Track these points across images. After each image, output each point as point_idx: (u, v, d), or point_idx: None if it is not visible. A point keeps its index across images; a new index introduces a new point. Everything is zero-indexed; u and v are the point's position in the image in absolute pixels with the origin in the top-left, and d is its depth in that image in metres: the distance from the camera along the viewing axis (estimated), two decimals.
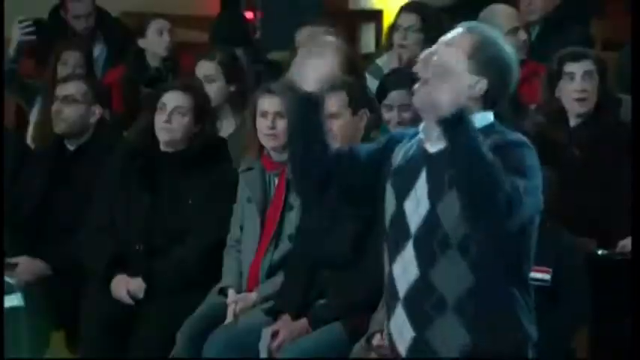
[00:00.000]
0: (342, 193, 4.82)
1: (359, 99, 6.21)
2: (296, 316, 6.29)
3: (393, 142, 4.77)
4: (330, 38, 5.11)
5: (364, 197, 4.78)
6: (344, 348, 5.84)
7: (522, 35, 8.03)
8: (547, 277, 5.96)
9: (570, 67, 7.01)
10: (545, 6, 8.87)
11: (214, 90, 7.77)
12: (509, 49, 4.65)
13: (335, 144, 5.75)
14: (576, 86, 6.96)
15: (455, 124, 4.22)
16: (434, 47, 4.53)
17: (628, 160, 6.72)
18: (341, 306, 5.92)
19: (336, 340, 5.99)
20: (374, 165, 4.71)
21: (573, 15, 9.41)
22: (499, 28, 7.71)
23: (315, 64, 4.56)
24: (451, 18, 8.07)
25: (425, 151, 4.55)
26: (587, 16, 10.07)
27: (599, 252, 6.52)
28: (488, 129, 4.52)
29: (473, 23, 4.82)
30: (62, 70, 8.44)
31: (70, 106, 7.28)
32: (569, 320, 6.11)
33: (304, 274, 6.38)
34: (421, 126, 4.60)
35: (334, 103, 6.20)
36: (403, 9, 8.38)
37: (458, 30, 4.63)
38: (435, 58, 4.47)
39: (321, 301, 6.27)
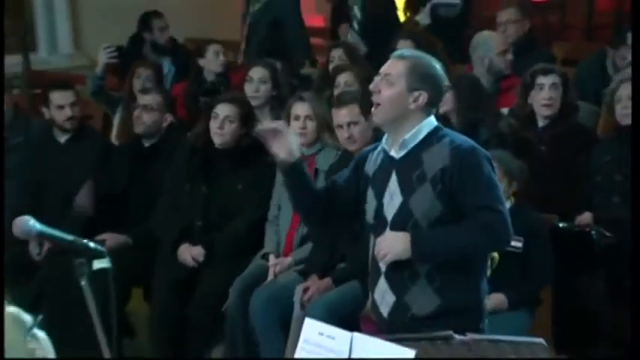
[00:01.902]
0: (340, 212, 4.92)
1: (369, 107, 6.24)
2: (322, 276, 6.33)
3: (361, 161, 4.87)
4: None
5: (355, 206, 4.82)
6: (359, 301, 5.86)
7: (509, 56, 8.00)
8: (519, 244, 5.91)
9: (541, 80, 7.03)
10: (517, 32, 8.83)
11: (264, 90, 7.81)
12: (436, 64, 4.76)
13: (353, 147, 5.98)
14: (545, 95, 6.98)
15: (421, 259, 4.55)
16: (378, 77, 4.71)
17: (584, 153, 6.79)
18: (356, 268, 5.92)
19: (354, 295, 6.00)
20: (352, 183, 4.80)
21: (538, 39, 9.41)
22: (491, 50, 7.85)
23: (280, 141, 4.65)
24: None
25: (391, 157, 4.64)
26: (549, 40, 10.08)
27: (560, 225, 6.47)
28: (435, 132, 4.63)
29: (403, 51, 5.04)
30: (137, 84, 8.46)
31: (148, 113, 7.30)
32: (537, 278, 6.08)
33: (328, 244, 6.43)
34: (384, 139, 4.70)
35: (350, 113, 6.25)
36: (400, 36, 8.36)
37: (393, 57, 4.77)
38: (381, 82, 4.64)
39: (342, 265, 6.31)
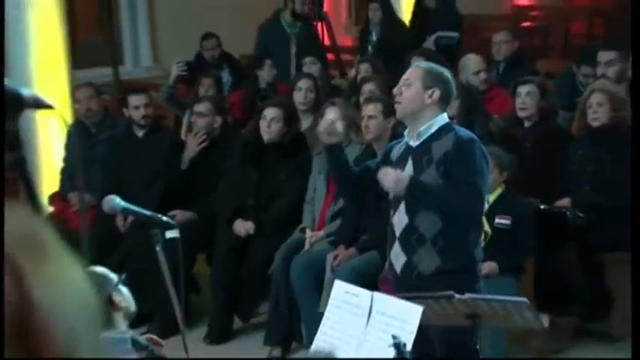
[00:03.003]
0: (368, 189, 4.98)
1: (390, 108, 6.23)
2: (348, 246, 6.32)
3: (388, 150, 5.01)
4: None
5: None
6: (378, 266, 5.85)
7: (482, 75, 7.95)
8: (508, 222, 5.93)
9: (519, 89, 7.00)
10: (507, 50, 8.77)
11: (310, 98, 7.77)
12: (446, 71, 4.93)
13: (369, 136, 6.04)
14: (520, 100, 6.95)
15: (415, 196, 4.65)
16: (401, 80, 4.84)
17: (561, 149, 6.77)
18: (376, 240, 5.92)
19: (374, 262, 6.01)
20: (381, 166, 4.83)
21: (525, 56, 9.38)
22: (469, 71, 7.86)
23: (323, 125, 4.88)
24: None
25: (410, 146, 4.70)
26: (534, 57, 10.03)
27: (542, 207, 6.46)
28: (446, 126, 4.72)
29: (419, 63, 5.35)
30: (201, 91, 8.49)
31: (201, 118, 7.32)
32: (522, 250, 6.08)
33: (353, 220, 6.41)
34: (405, 132, 4.75)
35: (372, 109, 6.26)
36: (414, 54, 8.36)
37: (412, 67, 5.02)
38: (402, 85, 4.75)
39: (364, 237, 6.29)
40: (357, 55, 10.36)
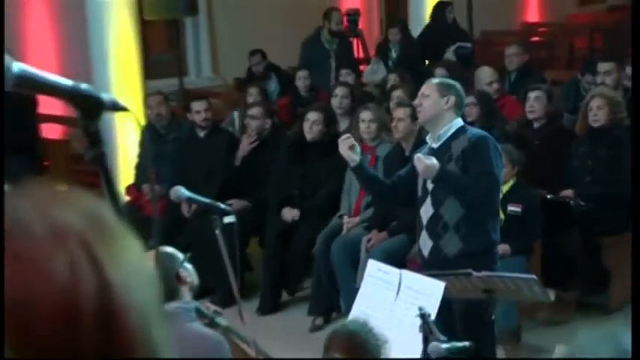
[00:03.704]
0: (403, 193, 4.99)
1: (413, 112, 6.22)
2: (380, 230, 6.30)
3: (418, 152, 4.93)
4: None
5: (412, 187, 4.85)
6: (406, 248, 5.84)
7: (495, 85, 7.88)
8: (519, 210, 5.90)
9: (529, 94, 6.96)
10: (518, 62, 8.72)
11: (345, 103, 7.72)
12: (456, 83, 4.96)
13: (397, 135, 6.04)
14: (529, 104, 6.91)
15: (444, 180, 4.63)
16: (419, 93, 4.89)
17: (565, 147, 6.75)
18: (404, 225, 5.90)
19: (402, 244, 5.99)
20: (410, 171, 4.87)
21: (534, 66, 9.32)
22: (482, 82, 7.80)
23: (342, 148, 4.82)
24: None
25: (432, 148, 4.71)
26: (542, 67, 9.97)
27: (548, 196, 6.44)
28: (460, 129, 4.72)
29: (430, 79, 5.23)
30: (249, 99, 8.50)
31: (254, 120, 7.33)
32: (531, 234, 6.05)
33: (385, 209, 6.40)
34: (428, 136, 4.79)
35: (401, 112, 6.24)
36: (438, 65, 8.33)
37: (426, 83, 4.97)
38: (421, 98, 4.78)
39: (394, 223, 6.28)
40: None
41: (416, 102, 4.89)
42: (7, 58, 1.23)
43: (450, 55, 10.00)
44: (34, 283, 0.70)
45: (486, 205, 4.78)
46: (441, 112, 4.72)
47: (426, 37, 10.82)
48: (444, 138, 4.72)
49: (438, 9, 10.93)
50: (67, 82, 1.32)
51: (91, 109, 1.31)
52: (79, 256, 0.72)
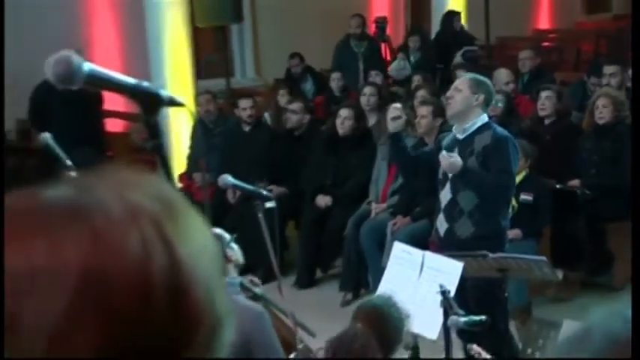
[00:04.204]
0: (422, 168, 5.01)
1: (440, 111, 6.18)
2: (405, 216, 6.30)
3: (440, 139, 4.97)
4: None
5: (433, 166, 4.82)
6: (428, 232, 5.81)
7: (511, 85, 7.81)
8: (530, 198, 5.88)
9: (540, 94, 6.94)
10: (530, 65, 8.66)
11: (373, 101, 7.66)
12: (488, 81, 4.87)
13: (420, 130, 6.01)
14: (541, 102, 6.88)
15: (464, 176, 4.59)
16: (452, 87, 4.81)
17: (573, 142, 6.70)
18: (427, 211, 5.88)
19: (424, 228, 5.95)
20: (435, 152, 4.78)
21: (545, 69, 9.24)
22: (500, 83, 7.74)
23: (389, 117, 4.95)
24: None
25: (457, 138, 4.66)
26: (552, 70, 9.88)
27: (557, 186, 6.42)
28: (485, 125, 4.66)
29: (466, 74, 5.15)
30: (280, 99, 8.53)
31: (294, 115, 7.34)
32: (542, 220, 6.02)
33: (409, 196, 6.38)
34: (454, 128, 4.73)
35: (425, 110, 6.21)
36: (457, 67, 8.27)
37: (460, 78, 4.99)
38: (453, 91, 4.70)
39: (417, 209, 6.26)
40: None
41: (448, 94, 4.80)
42: (79, 59, 1.24)
43: (458, 58, 9.95)
44: (110, 258, 0.69)
45: (501, 196, 4.75)
46: (470, 108, 4.65)
47: (438, 43, 10.81)
48: (470, 131, 4.66)
49: (447, 18, 10.94)
50: (131, 80, 1.33)
51: (151, 105, 1.32)
52: (151, 235, 0.71)
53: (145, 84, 1.34)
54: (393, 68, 10.17)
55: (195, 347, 0.72)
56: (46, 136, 3.28)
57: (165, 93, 1.36)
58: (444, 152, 4.63)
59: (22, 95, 7.48)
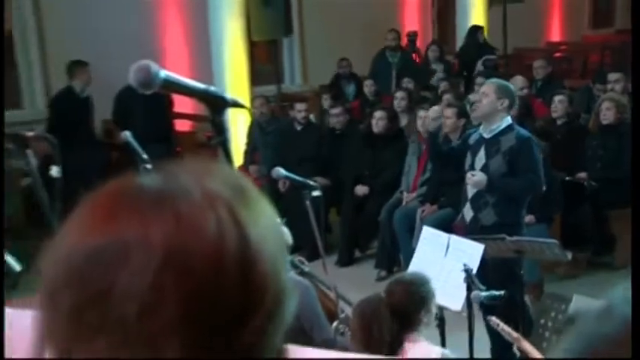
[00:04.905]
0: (450, 160, 4.94)
1: (463, 113, 6.12)
2: (432, 204, 6.26)
3: (467, 137, 4.87)
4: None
5: (461, 159, 4.75)
6: (452, 218, 5.76)
7: (525, 91, 7.66)
8: (543, 189, 5.84)
9: (554, 98, 6.89)
10: (543, 73, 8.58)
11: (404, 104, 7.62)
12: (512, 86, 4.80)
13: (445, 129, 5.97)
14: (554, 105, 6.83)
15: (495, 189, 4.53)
16: (480, 91, 4.75)
17: (581, 140, 6.62)
18: (451, 200, 5.84)
19: (449, 215, 5.89)
20: (461, 148, 4.73)
21: (557, 76, 9.13)
22: (517, 87, 7.64)
23: (430, 116, 5.02)
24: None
25: (483, 137, 4.58)
26: (562, 77, 9.75)
27: (567, 178, 6.37)
28: (509, 127, 4.57)
29: (493, 79, 4.93)
30: (324, 103, 8.52)
31: (336, 117, 7.39)
32: (553, 207, 5.95)
33: (436, 187, 6.33)
34: (481, 127, 4.66)
35: (450, 112, 6.15)
36: (478, 75, 8.19)
37: (487, 83, 4.77)
38: (481, 95, 4.61)
39: (443, 198, 6.21)
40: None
41: (476, 97, 4.78)
42: (156, 66, 1.24)
43: (479, 66, 9.85)
44: (190, 237, 0.70)
45: (528, 194, 4.68)
46: (495, 111, 4.56)
47: (463, 54, 10.73)
48: (495, 132, 4.58)
49: (471, 32, 10.85)
50: (200, 84, 1.33)
51: (217, 106, 1.32)
52: (225, 218, 0.72)
53: (212, 88, 1.34)
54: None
55: (262, 314, 0.72)
56: (127, 134, 3.31)
57: (229, 96, 1.36)
58: (472, 172, 4.58)
59: (105, 99, 7.57)
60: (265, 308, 0.72)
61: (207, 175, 0.76)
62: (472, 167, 4.66)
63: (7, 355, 1.05)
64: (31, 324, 0.74)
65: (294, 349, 0.82)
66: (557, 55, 12.87)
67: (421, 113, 6.58)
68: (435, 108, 5.65)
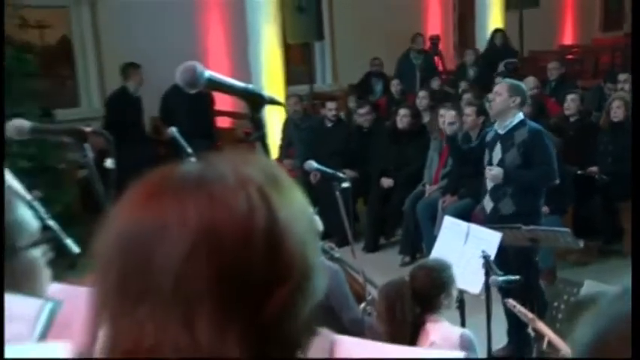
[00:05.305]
0: (473, 158, 4.84)
1: (482, 111, 6.06)
2: (453, 194, 6.21)
3: (484, 135, 4.83)
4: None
5: (480, 155, 4.70)
6: (472, 208, 5.73)
7: (535, 90, 7.49)
8: (557, 181, 5.77)
9: (567, 97, 6.80)
10: (557, 74, 8.48)
11: (425, 103, 7.56)
12: (523, 85, 4.72)
13: (466, 126, 5.85)
14: (567, 104, 6.73)
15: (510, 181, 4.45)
16: (494, 91, 4.68)
17: (592, 136, 6.53)
18: (470, 191, 5.79)
19: (469, 205, 5.87)
20: (479, 145, 4.69)
21: (570, 76, 9.00)
22: (529, 86, 7.53)
23: (446, 121, 4.88)
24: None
25: (499, 133, 4.53)
26: (575, 77, 9.61)
27: (579, 172, 6.28)
28: (521, 122, 4.52)
29: (506, 79, 4.94)
30: (350, 103, 8.49)
31: (363, 116, 7.33)
32: (566, 199, 5.88)
33: (456, 179, 6.27)
34: (495, 125, 4.60)
35: (470, 110, 6.10)
36: (497, 75, 8.11)
37: (500, 83, 4.72)
38: (494, 94, 4.56)
39: (462, 189, 6.15)
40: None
41: (490, 96, 4.73)
42: (201, 67, 1.24)
43: (501, 67, 9.74)
44: (222, 215, 0.72)
45: (544, 185, 4.61)
46: (508, 108, 4.52)
47: (487, 56, 10.61)
48: (509, 127, 4.53)
49: (494, 35, 10.73)
50: (240, 83, 1.33)
51: (256, 103, 1.31)
52: (256, 199, 0.74)
53: (251, 86, 1.33)
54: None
55: (288, 287, 0.73)
56: (173, 130, 3.32)
57: (267, 94, 1.35)
58: (489, 167, 4.54)
59: (152, 98, 7.63)
60: (292, 282, 0.73)
61: (243, 163, 0.78)
62: (490, 162, 4.61)
63: (62, 325, 1.06)
64: (85, 299, 0.77)
65: (347, 342, 0.83)
66: (570, 57, 12.69)
67: (442, 111, 6.53)
68: (452, 113, 5.59)
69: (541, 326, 3.25)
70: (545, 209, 5.47)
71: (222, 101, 7.67)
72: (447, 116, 5.15)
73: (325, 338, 0.83)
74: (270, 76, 8.24)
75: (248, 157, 0.79)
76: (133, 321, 0.71)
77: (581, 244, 4.39)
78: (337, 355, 0.84)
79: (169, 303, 0.70)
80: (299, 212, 0.77)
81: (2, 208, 1.16)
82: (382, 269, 5.57)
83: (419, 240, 6.42)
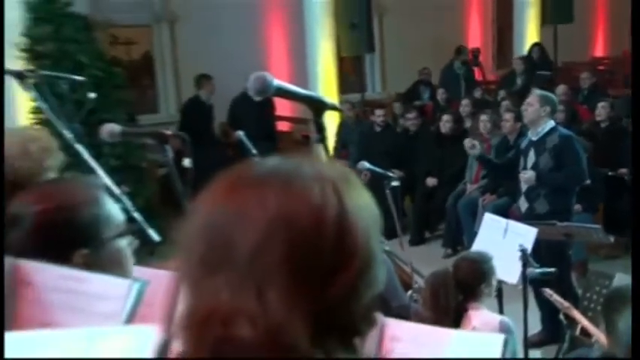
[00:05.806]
0: (510, 165, 4.73)
1: (520, 118, 5.92)
2: (492, 193, 6.11)
3: (519, 144, 4.74)
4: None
5: (516, 162, 4.60)
6: (509, 206, 5.61)
7: (562, 97, 7.21)
8: (588, 181, 5.60)
9: (598, 104, 6.65)
10: (589, 83, 8.28)
11: (467, 109, 7.42)
12: (553, 95, 4.64)
13: (504, 130, 5.74)
14: (597, 111, 6.58)
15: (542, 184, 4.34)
16: (526, 102, 4.57)
17: (621, 140, 6.29)
18: (507, 191, 5.68)
19: (506, 203, 5.75)
20: (515, 153, 4.62)
21: (600, 86, 8.74)
22: (559, 93, 7.27)
23: (466, 147, 4.76)
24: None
25: (532, 140, 4.44)
26: (606, 87, 9.32)
27: (609, 173, 6.11)
28: (552, 129, 4.40)
29: (537, 91, 4.79)
30: (395, 110, 8.39)
31: (410, 120, 7.29)
32: (597, 198, 5.73)
33: (494, 179, 6.15)
34: (529, 132, 4.50)
35: (508, 116, 5.97)
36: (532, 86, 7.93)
37: (531, 94, 4.58)
38: (526, 105, 4.45)
39: (501, 189, 6.03)
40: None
41: (523, 107, 4.62)
42: (270, 76, 1.25)
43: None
44: (297, 204, 0.73)
45: (575, 185, 4.50)
46: (539, 117, 4.43)
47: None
48: (541, 134, 4.45)
49: (532, 48, 10.50)
50: (304, 91, 1.32)
51: (319, 108, 1.31)
52: (329, 192, 0.75)
53: (314, 94, 1.33)
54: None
55: (351, 272, 0.74)
56: (240, 134, 3.35)
57: (329, 100, 1.34)
58: (524, 171, 4.46)
59: (220, 105, 7.76)
60: (354, 268, 0.74)
61: (322, 163, 0.80)
62: (525, 167, 4.53)
63: (147, 304, 1.08)
64: (164, 281, 0.80)
65: (395, 324, 0.83)
66: (601, 68, 12.34)
67: (483, 117, 6.42)
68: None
69: (576, 314, 3.18)
70: (577, 207, 5.34)
71: (282, 107, 7.72)
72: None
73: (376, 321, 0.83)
74: (326, 85, 8.27)
75: (322, 157, 0.83)
76: (211, 287, 0.72)
77: (612, 239, 4.26)
78: (386, 334, 0.86)
79: (244, 275, 0.71)
80: (365, 208, 0.78)
81: (2, 208, 1.18)
82: (427, 260, 5.53)
83: (460, 234, 6.33)
